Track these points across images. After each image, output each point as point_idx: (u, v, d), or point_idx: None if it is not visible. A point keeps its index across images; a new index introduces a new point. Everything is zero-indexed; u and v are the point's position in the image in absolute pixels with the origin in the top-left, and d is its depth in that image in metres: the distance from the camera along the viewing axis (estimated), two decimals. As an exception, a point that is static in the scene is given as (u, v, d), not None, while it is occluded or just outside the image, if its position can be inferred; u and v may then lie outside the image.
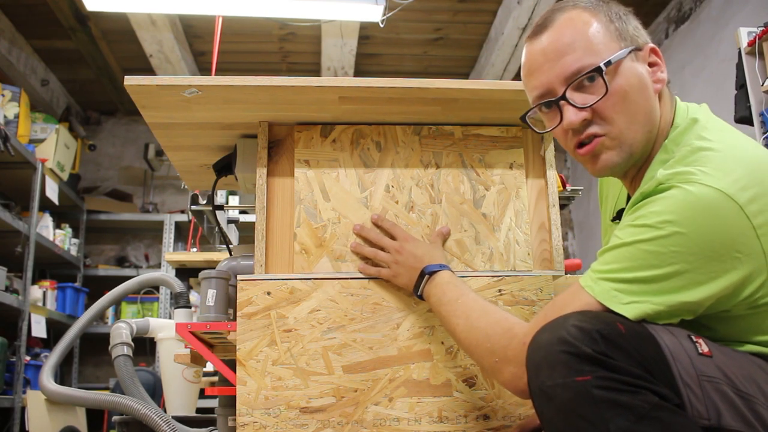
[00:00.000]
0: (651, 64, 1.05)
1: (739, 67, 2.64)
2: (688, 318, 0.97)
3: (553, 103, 1.05)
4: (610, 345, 0.87)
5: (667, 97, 1.08)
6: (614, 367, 0.85)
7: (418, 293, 1.25)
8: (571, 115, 1.02)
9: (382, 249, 1.31)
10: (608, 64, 1.00)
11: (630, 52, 1.02)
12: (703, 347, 0.93)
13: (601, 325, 0.88)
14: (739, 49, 2.64)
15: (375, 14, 3.05)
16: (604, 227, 1.32)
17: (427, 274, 1.23)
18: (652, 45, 1.06)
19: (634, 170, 1.09)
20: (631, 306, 0.94)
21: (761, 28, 2.53)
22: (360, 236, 1.34)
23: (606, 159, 1.04)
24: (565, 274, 1.41)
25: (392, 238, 1.31)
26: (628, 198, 1.16)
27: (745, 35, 2.61)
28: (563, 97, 1.03)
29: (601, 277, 0.97)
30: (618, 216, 1.20)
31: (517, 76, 4.43)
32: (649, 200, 0.97)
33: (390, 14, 3.08)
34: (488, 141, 1.42)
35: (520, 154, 1.42)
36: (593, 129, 1.03)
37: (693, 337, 0.94)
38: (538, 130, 1.14)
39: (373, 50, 4.48)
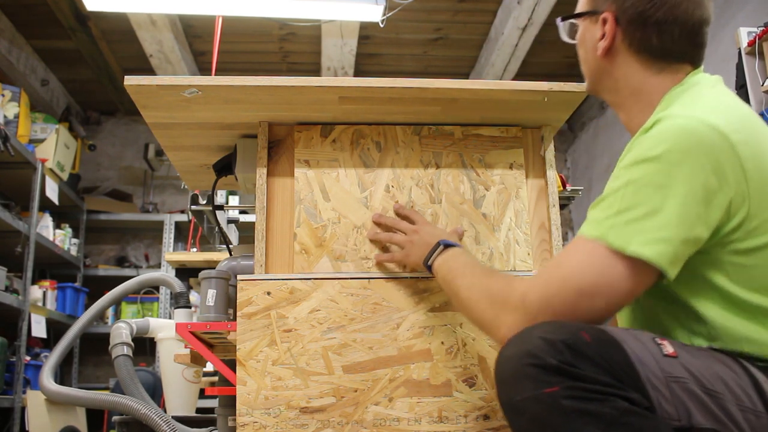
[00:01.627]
0: (602, 33, 1.15)
1: (739, 67, 2.64)
2: (685, 259, 0.96)
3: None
4: (576, 354, 0.87)
5: (637, 64, 1.13)
6: (581, 377, 0.86)
7: (429, 263, 1.23)
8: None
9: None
10: (566, 18, 1.21)
11: (587, 14, 1.18)
12: (668, 348, 0.93)
13: (566, 335, 0.88)
14: (739, 49, 2.64)
15: (375, 14, 3.05)
16: None
17: (441, 245, 1.23)
18: (607, 15, 1.13)
19: (617, 110, 1.20)
20: (650, 247, 0.92)
21: (761, 28, 2.53)
22: (377, 223, 1.35)
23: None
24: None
25: (411, 223, 1.33)
26: None
27: (745, 35, 2.61)
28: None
29: (609, 223, 0.96)
30: None
31: (517, 77, 4.44)
32: (640, 138, 1.00)
33: (390, 14, 3.08)
34: (488, 141, 1.42)
35: (520, 154, 1.42)
36: None
37: (657, 339, 0.94)
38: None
39: (373, 50, 4.48)
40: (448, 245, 1.23)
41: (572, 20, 1.21)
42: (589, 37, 1.18)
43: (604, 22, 1.13)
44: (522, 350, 0.89)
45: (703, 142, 0.95)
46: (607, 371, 0.87)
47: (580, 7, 1.20)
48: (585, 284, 0.94)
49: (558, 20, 1.24)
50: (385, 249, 1.35)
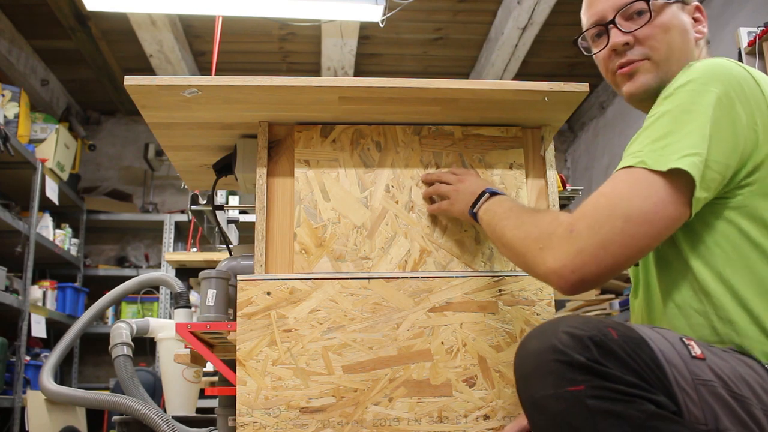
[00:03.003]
0: (695, 19, 1.19)
1: (739, 67, 2.64)
2: (712, 188, 0.96)
3: (603, 26, 1.19)
4: (603, 352, 0.84)
5: (704, 53, 1.21)
6: (608, 376, 0.83)
7: (474, 210, 1.23)
8: (616, 36, 1.17)
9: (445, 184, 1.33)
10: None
11: (677, 1, 1.17)
12: (696, 350, 0.92)
13: (594, 331, 0.86)
14: (739, 49, 2.64)
15: (375, 14, 3.05)
16: None
17: (488, 193, 1.23)
18: (697, 3, 1.20)
19: None
20: (684, 159, 0.94)
21: (761, 28, 2.53)
22: (425, 181, 1.36)
23: (642, 80, 1.16)
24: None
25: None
26: None
27: (745, 35, 2.61)
28: (612, 21, 1.17)
29: (647, 149, 0.97)
30: None
31: (517, 76, 4.44)
32: (672, 82, 1.05)
33: (390, 14, 3.08)
34: (488, 141, 1.42)
35: (520, 154, 1.42)
36: (635, 54, 1.16)
37: (685, 339, 0.93)
38: (585, 53, 1.27)
39: (373, 50, 4.48)
40: (493, 193, 1.22)
41: (668, 3, 1.17)
42: (684, 21, 1.17)
43: (696, 9, 1.19)
44: (547, 345, 0.86)
45: (731, 73, 1.00)
46: (634, 371, 0.85)
47: None
48: (633, 210, 0.94)
49: (621, 6, 1.17)
50: (433, 202, 1.36)
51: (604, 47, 1.20)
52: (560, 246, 0.96)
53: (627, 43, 1.16)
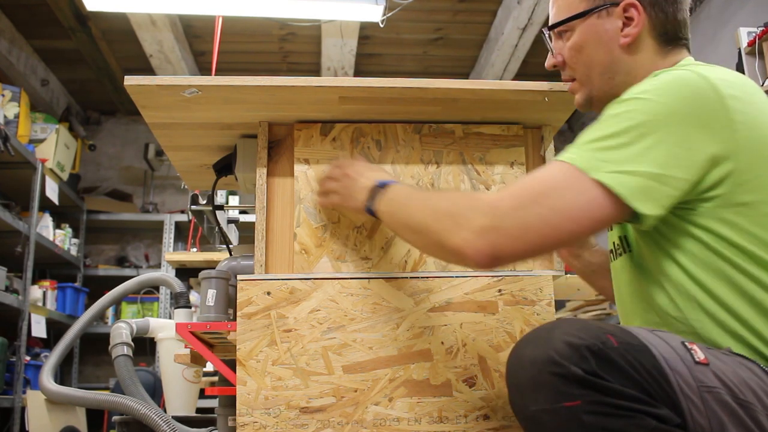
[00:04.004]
0: (627, 19, 1.11)
1: (739, 67, 2.64)
2: (663, 213, 0.95)
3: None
4: (603, 363, 0.81)
5: (653, 50, 1.12)
6: (606, 390, 0.80)
7: (371, 209, 1.17)
8: (547, 59, 1.22)
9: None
10: (557, 25, 1.16)
11: (595, 10, 1.13)
12: (699, 355, 0.88)
13: (592, 339, 0.83)
14: (739, 49, 2.64)
15: (375, 14, 3.05)
16: None
17: (379, 186, 1.17)
18: (630, 0, 1.11)
19: None
20: (612, 175, 0.92)
21: (761, 28, 2.53)
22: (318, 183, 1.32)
23: (576, 99, 1.20)
24: (565, 274, 1.41)
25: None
26: None
27: (745, 35, 2.61)
28: (548, 42, 1.22)
29: (582, 147, 0.97)
30: None
31: (517, 77, 4.43)
32: (631, 88, 1.02)
33: (390, 14, 3.08)
34: (489, 139, 1.41)
35: (521, 153, 1.42)
36: (565, 74, 1.20)
37: (687, 344, 0.90)
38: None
39: (373, 50, 4.48)
40: (384, 184, 1.17)
41: (578, 19, 1.14)
42: (603, 32, 1.12)
43: (625, 9, 1.11)
44: (542, 355, 0.83)
45: (690, 88, 0.96)
46: (635, 382, 0.82)
47: (585, 4, 1.14)
48: (560, 203, 0.93)
49: (545, 30, 1.20)
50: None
51: None
52: (480, 219, 0.95)
53: (555, 66, 1.20)
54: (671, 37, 1.13)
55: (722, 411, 0.85)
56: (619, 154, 0.94)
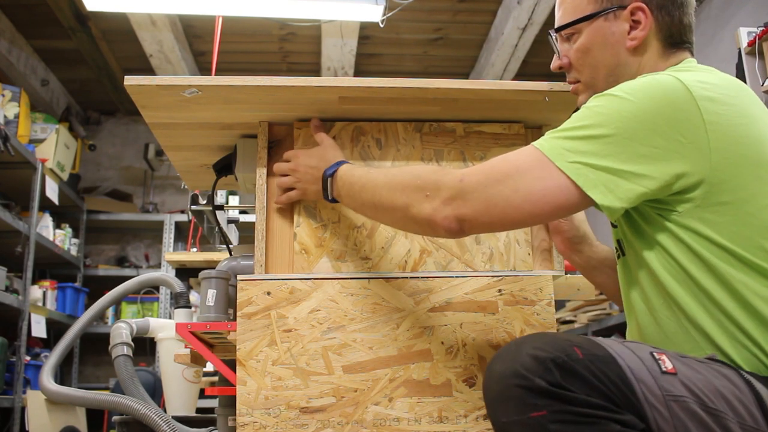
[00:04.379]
0: (634, 22, 1.13)
1: (739, 67, 2.64)
2: (625, 206, 0.97)
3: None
4: (567, 374, 0.84)
5: (657, 53, 1.14)
6: (571, 399, 0.83)
7: (331, 198, 1.23)
8: (553, 61, 1.23)
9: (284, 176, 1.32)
10: (564, 27, 1.17)
11: (603, 12, 1.13)
12: (667, 364, 0.90)
13: (557, 352, 0.85)
14: (739, 49, 2.63)
15: (375, 14, 3.05)
16: None
17: (328, 177, 1.22)
18: (638, 3, 1.12)
19: None
20: (573, 165, 0.96)
21: (761, 28, 2.53)
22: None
23: (579, 100, 1.21)
24: (565, 274, 1.41)
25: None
26: None
27: (745, 35, 2.61)
28: (554, 44, 1.23)
29: (552, 135, 1.01)
30: None
31: (517, 76, 4.43)
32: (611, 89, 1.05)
33: (390, 14, 3.08)
34: (490, 138, 1.41)
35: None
36: (571, 76, 1.21)
37: (655, 353, 0.91)
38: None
39: (373, 50, 4.48)
40: (333, 171, 1.21)
41: (585, 21, 1.14)
42: (610, 34, 1.13)
43: (633, 12, 1.12)
44: (510, 369, 0.86)
45: (663, 89, 0.98)
46: (599, 392, 0.84)
47: (593, 7, 1.15)
48: (523, 185, 0.98)
49: (552, 32, 1.20)
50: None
51: None
52: (448, 191, 1.02)
53: (561, 68, 1.21)
54: (676, 40, 1.14)
55: (689, 419, 0.86)
56: (584, 146, 0.97)
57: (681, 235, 1.00)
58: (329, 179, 1.22)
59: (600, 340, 0.93)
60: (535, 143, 1.02)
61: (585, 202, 0.98)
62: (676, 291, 1.01)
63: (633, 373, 0.87)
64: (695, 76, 1.02)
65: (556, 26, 1.20)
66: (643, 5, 1.11)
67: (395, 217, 1.12)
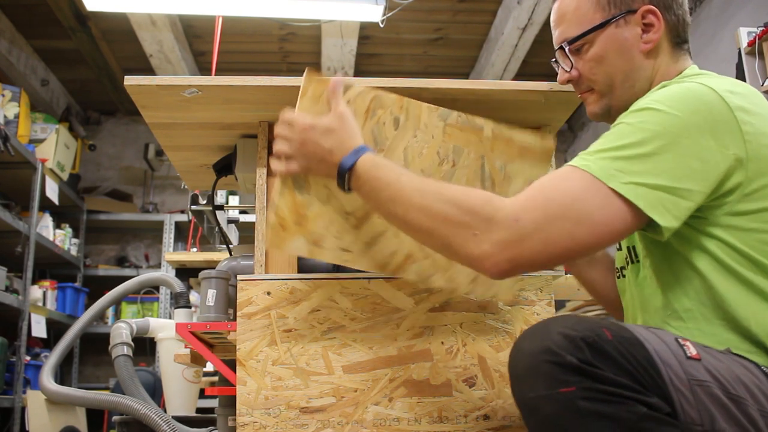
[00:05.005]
0: (645, 25, 1.12)
1: (739, 67, 2.64)
2: (682, 217, 0.96)
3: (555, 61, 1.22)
4: (597, 353, 0.84)
5: (669, 54, 1.14)
6: (600, 378, 0.83)
7: (348, 189, 1.08)
8: (559, 75, 1.21)
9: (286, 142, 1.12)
10: (577, 39, 1.14)
11: (613, 19, 1.12)
12: (691, 350, 0.91)
13: (587, 332, 0.86)
14: (739, 49, 2.63)
15: (375, 14, 3.05)
16: None
17: (346, 171, 1.06)
18: (648, 6, 1.11)
19: None
20: (630, 187, 0.93)
21: (761, 28, 2.53)
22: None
23: (591, 109, 1.20)
24: (565, 274, 1.41)
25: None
26: None
27: (745, 35, 2.61)
28: (556, 60, 1.21)
29: (598, 156, 0.97)
30: None
31: (517, 76, 4.43)
32: (640, 99, 1.04)
33: (390, 14, 3.08)
34: (517, 150, 1.28)
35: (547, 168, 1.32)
36: (581, 87, 1.19)
37: (680, 340, 0.93)
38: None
39: (373, 50, 4.48)
40: (352, 164, 1.05)
41: (597, 30, 1.12)
42: (624, 40, 1.12)
43: (644, 15, 1.11)
44: (540, 346, 0.86)
45: (701, 100, 0.97)
46: (627, 372, 0.85)
47: (601, 15, 1.13)
48: (585, 217, 0.93)
49: (565, 45, 1.15)
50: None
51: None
52: (501, 233, 0.93)
53: (569, 81, 1.18)
54: (682, 39, 1.15)
55: (712, 404, 0.88)
56: (636, 166, 0.94)
57: (708, 243, 1.00)
58: (347, 174, 1.06)
59: (625, 324, 0.94)
60: (577, 164, 0.97)
61: (643, 223, 0.95)
62: (702, 291, 1.01)
63: (659, 356, 0.88)
64: (723, 85, 1.01)
65: (561, 41, 1.17)
66: (653, 7, 1.11)
67: (431, 244, 1.03)
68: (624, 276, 1.20)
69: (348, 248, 1.22)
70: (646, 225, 0.96)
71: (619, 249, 1.22)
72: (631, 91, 1.13)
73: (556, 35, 1.19)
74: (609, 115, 1.17)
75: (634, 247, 1.16)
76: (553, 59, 1.23)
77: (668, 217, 0.94)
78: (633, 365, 0.86)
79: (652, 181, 0.94)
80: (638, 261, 1.15)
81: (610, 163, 0.95)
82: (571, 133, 5.34)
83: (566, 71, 1.18)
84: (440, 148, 1.25)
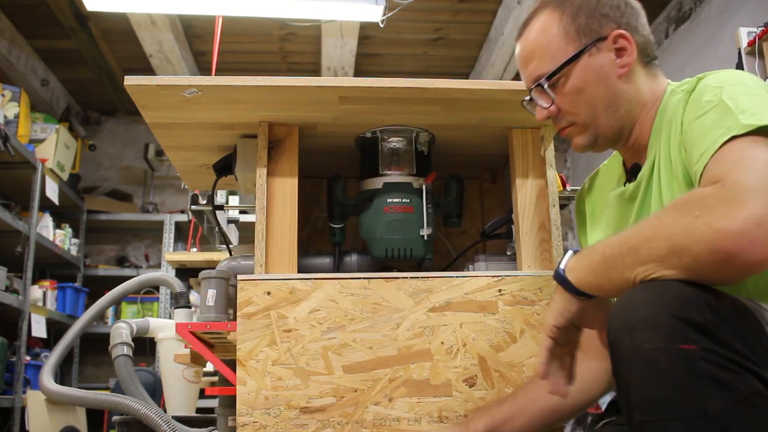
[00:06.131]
0: (618, 50, 1.11)
1: (739, 67, 2.64)
2: None
3: (528, 100, 1.20)
4: (718, 317, 0.80)
5: (644, 74, 1.14)
6: (723, 342, 0.79)
7: (575, 290, 0.99)
8: (538, 113, 1.17)
9: None
10: (555, 72, 1.11)
11: (586, 49, 1.10)
12: None
13: (708, 294, 0.82)
14: (739, 49, 2.63)
15: (375, 14, 3.04)
16: (594, 224, 1.32)
17: (561, 276, 0.99)
18: (618, 31, 1.11)
19: (624, 137, 1.16)
20: None
21: (761, 28, 2.53)
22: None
23: (577, 142, 1.16)
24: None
25: None
26: (625, 166, 1.21)
27: (745, 35, 2.61)
28: (531, 99, 1.18)
29: (742, 116, 0.90)
30: (633, 173, 1.17)
31: (517, 76, 4.43)
32: (699, 89, 1.02)
33: (390, 14, 3.07)
34: None
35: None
36: (561, 122, 1.16)
37: None
38: (533, 116, 1.21)
39: (373, 50, 4.48)
40: (563, 271, 0.99)
41: (571, 63, 1.10)
42: (599, 67, 1.10)
43: (615, 40, 1.10)
44: (660, 298, 0.81)
45: (743, 73, 1.01)
46: (746, 342, 0.80)
47: (573, 46, 1.11)
48: None
49: (543, 81, 1.11)
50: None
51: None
52: (752, 197, 0.81)
53: (548, 117, 1.15)
54: (651, 57, 1.15)
55: None
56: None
57: None
58: (561, 276, 0.99)
59: (737, 296, 0.88)
60: (734, 132, 0.89)
61: None
62: None
63: None
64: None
65: (536, 78, 1.13)
66: (623, 31, 1.11)
67: (683, 241, 0.84)
68: None
69: None
70: None
71: None
72: (616, 115, 1.12)
73: (528, 73, 1.16)
74: (596, 144, 1.15)
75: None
76: (525, 99, 1.20)
77: None
78: (749, 336, 0.82)
79: None
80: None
81: (760, 110, 0.90)
82: (571, 133, 5.34)
83: (544, 108, 1.15)
84: None
